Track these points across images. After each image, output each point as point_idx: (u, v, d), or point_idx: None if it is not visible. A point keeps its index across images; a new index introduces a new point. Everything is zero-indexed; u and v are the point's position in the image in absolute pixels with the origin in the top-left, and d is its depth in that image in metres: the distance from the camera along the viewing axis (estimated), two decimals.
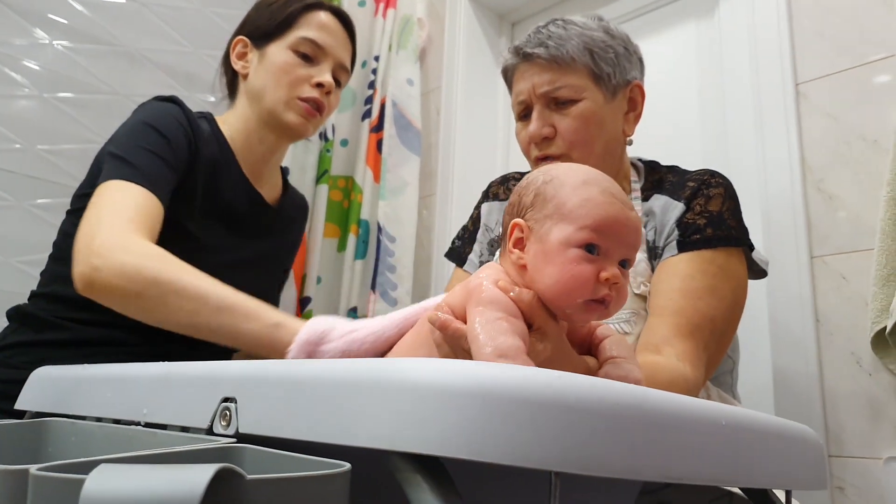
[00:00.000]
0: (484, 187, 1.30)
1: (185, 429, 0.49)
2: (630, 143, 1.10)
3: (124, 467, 0.27)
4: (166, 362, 0.58)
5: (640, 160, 1.14)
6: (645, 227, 1.00)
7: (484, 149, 2.00)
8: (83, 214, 0.93)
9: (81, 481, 0.27)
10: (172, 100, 1.09)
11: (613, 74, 1.03)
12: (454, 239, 1.28)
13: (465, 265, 1.21)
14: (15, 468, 0.32)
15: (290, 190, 1.30)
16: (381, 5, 2.01)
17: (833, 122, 1.29)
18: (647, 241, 0.99)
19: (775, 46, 1.38)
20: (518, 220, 0.62)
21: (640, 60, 1.10)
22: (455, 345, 0.58)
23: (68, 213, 1.12)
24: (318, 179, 1.89)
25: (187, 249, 1.04)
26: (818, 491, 1.12)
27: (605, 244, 0.57)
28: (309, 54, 1.13)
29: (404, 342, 0.69)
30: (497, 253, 1.10)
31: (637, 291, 0.95)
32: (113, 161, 0.98)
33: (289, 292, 1.75)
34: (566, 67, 1.01)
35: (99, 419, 0.59)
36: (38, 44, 1.83)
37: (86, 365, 0.68)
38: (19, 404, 0.73)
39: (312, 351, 0.71)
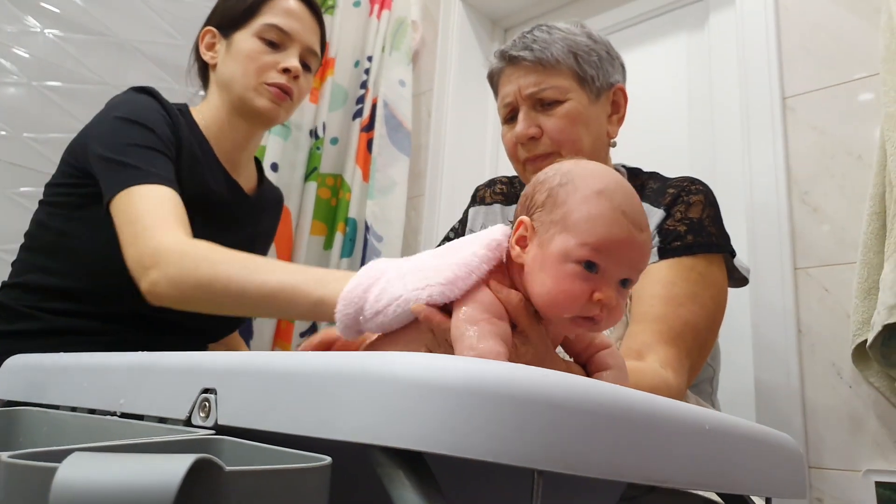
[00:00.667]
0: (472, 189, 1.30)
1: (162, 420, 0.48)
2: (614, 145, 1.11)
3: (99, 456, 0.27)
4: (146, 352, 0.57)
5: (623, 166, 1.15)
6: None
7: (473, 151, 2.01)
8: (118, 230, 0.93)
9: (54, 469, 0.26)
10: (147, 91, 1.09)
11: (597, 77, 1.05)
12: (443, 240, 1.28)
13: None
14: None
15: (265, 181, 1.31)
16: (376, 6, 2.01)
17: (819, 136, 1.30)
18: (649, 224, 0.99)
19: (763, 61, 1.40)
20: (525, 217, 0.59)
21: (622, 66, 1.12)
22: (440, 337, 0.58)
23: (41, 203, 1.11)
24: (307, 177, 1.88)
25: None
26: (797, 501, 1.13)
27: (605, 264, 0.55)
28: (275, 40, 1.14)
29: (395, 340, 0.67)
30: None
31: None
32: (112, 167, 0.97)
33: None
34: (551, 69, 1.03)
35: (73, 409, 0.58)
36: (28, 31, 1.81)
37: (61, 353, 0.66)
38: None
39: (358, 331, 0.65)
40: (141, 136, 1.00)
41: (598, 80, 1.05)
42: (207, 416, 0.44)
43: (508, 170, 1.21)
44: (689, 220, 0.97)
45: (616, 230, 0.55)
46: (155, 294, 0.87)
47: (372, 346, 0.70)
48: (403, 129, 1.91)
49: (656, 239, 0.97)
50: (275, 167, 1.78)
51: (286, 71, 1.13)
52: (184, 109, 1.15)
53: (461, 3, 2.03)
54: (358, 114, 1.94)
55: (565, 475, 0.31)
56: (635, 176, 1.11)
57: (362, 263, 1.77)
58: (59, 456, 0.30)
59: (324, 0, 1.99)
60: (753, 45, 1.43)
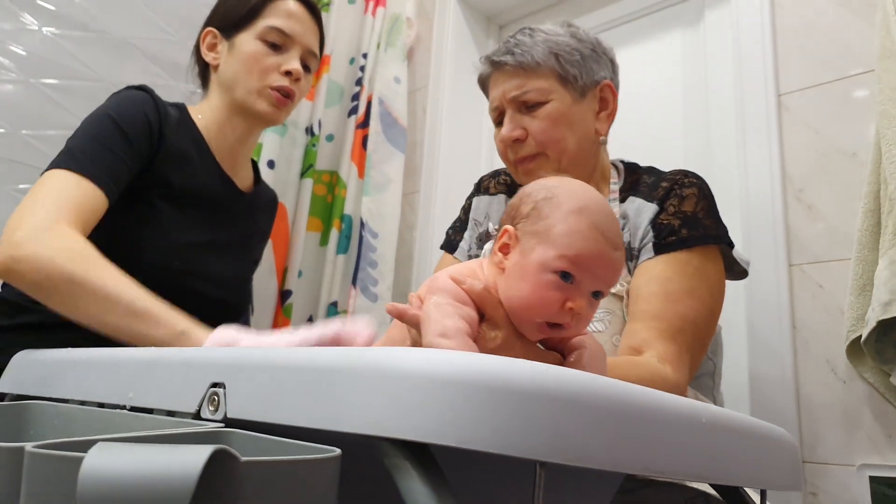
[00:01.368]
0: (467, 185, 1.31)
1: (171, 413, 0.49)
2: (604, 142, 1.12)
3: (123, 446, 0.28)
4: (153, 347, 0.58)
5: (621, 161, 1.15)
6: (623, 229, 1.02)
7: (468, 148, 2.02)
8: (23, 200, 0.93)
9: (80, 459, 0.27)
10: (143, 88, 1.10)
11: (580, 75, 1.05)
12: (448, 230, 1.30)
13: (456, 252, 1.23)
14: (10, 445, 0.32)
15: (261, 182, 1.32)
16: (371, 3, 2.01)
17: (814, 133, 1.31)
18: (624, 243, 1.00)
19: (759, 58, 1.41)
20: (509, 227, 0.64)
21: (612, 61, 1.12)
22: (415, 330, 0.62)
23: None
24: (303, 173, 1.88)
25: (162, 233, 1.05)
26: (792, 494, 1.15)
27: (579, 275, 0.60)
28: (277, 42, 1.15)
29: (390, 330, 0.71)
30: (487, 247, 1.12)
31: (612, 291, 0.96)
32: (63, 150, 0.99)
33: (270, 285, 1.75)
34: (531, 72, 1.04)
35: (83, 403, 0.59)
36: (25, 29, 1.81)
37: (69, 349, 0.67)
38: (0, 387, 0.73)
39: None
40: (106, 133, 1.01)
41: (580, 79, 1.05)
42: (216, 410, 0.45)
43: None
44: (683, 214, 0.98)
45: (592, 246, 0.60)
46: (8, 269, 0.85)
47: None
48: (398, 125, 1.92)
49: (651, 234, 0.98)
50: (271, 164, 1.79)
51: (288, 73, 1.15)
52: (181, 108, 1.16)
53: None
54: (353, 111, 1.94)
55: (566, 467, 0.32)
56: (632, 171, 1.12)
57: (358, 259, 1.78)
58: (82, 446, 0.31)
59: None
60: (748, 43, 1.44)
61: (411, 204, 1.94)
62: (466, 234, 1.23)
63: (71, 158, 0.97)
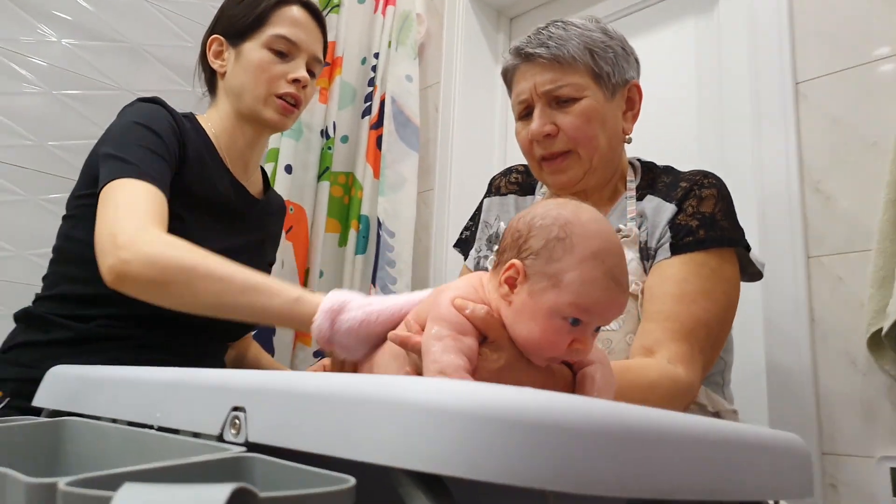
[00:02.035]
0: (481, 181, 1.31)
1: (196, 434, 0.51)
2: (629, 141, 1.12)
3: (149, 487, 0.29)
4: (177, 368, 0.60)
5: (638, 160, 1.15)
6: (639, 228, 1.02)
7: (481, 144, 2.02)
8: (98, 213, 0.97)
9: (108, 498, 0.29)
10: (155, 100, 1.13)
11: (613, 73, 1.05)
12: (462, 230, 1.30)
13: (467, 260, 1.23)
14: (43, 482, 0.34)
15: (270, 188, 1.35)
16: (381, 2, 2.02)
17: (832, 122, 1.29)
18: (640, 242, 1.00)
19: (775, 44, 1.39)
20: (517, 262, 0.63)
21: (637, 61, 1.12)
22: (418, 357, 0.63)
23: (65, 217, 1.15)
24: (320, 176, 1.91)
25: (185, 239, 1.07)
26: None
27: (588, 319, 0.61)
28: (283, 50, 1.17)
29: (384, 351, 0.73)
30: (495, 250, 1.12)
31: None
32: (112, 161, 1.02)
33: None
34: (567, 67, 1.03)
35: (114, 420, 0.61)
36: (45, 41, 1.85)
37: (100, 366, 0.70)
38: (36, 401, 0.76)
39: (335, 318, 0.75)
40: (143, 138, 1.04)
41: (613, 77, 1.05)
42: (238, 433, 0.47)
43: (518, 159, 1.22)
44: (702, 215, 0.98)
45: (605, 295, 0.60)
46: (122, 274, 0.89)
47: (367, 360, 0.76)
48: (412, 124, 1.93)
49: (668, 234, 0.98)
50: (288, 169, 1.81)
51: (295, 81, 1.16)
52: (191, 117, 1.18)
53: None
54: (367, 111, 1.96)
55: (576, 494, 0.33)
56: (649, 170, 1.12)
57: (376, 259, 1.80)
58: (112, 482, 0.33)
59: None
60: (764, 29, 1.42)
61: (426, 202, 1.95)
62: (476, 238, 1.23)
63: (130, 168, 1.00)
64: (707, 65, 1.65)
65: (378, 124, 1.92)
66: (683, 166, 1.13)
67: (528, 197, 1.22)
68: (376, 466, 0.37)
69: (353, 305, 0.75)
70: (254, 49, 1.16)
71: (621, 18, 1.82)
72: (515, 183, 1.24)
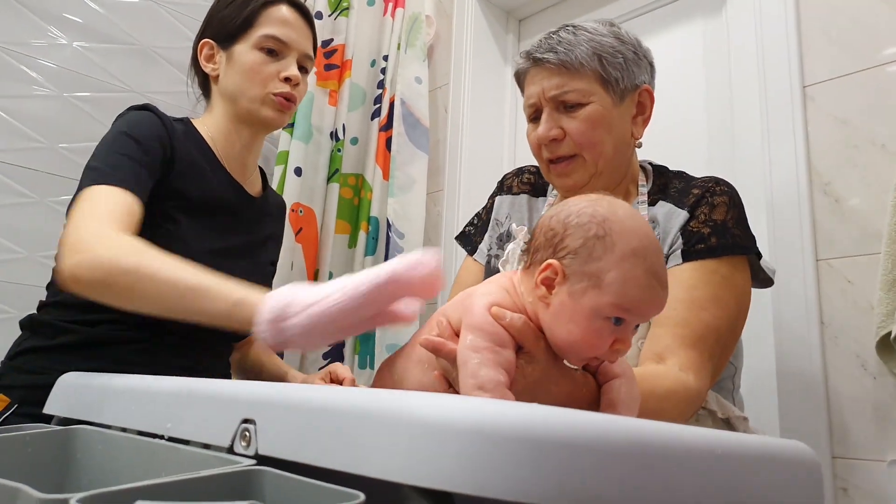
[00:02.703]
0: (490, 182, 1.31)
1: (206, 446, 0.51)
2: (639, 145, 1.11)
3: None
4: (187, 378, 0.61)
5: (649, 163, 1.15)
6: None
7: (491, 145, 2.02)
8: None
9: None
10: (145, 107, 1.15)
11: (621, 79, 1.05)
12: (466, 225, 1.30)
13: (476, 255, 1.23)
14: (56, 497, 0.34)
15: (269, 188, 1.36)
16: (390, 5, 2.02)
17: (840, 125, 1.29)
18: None
19: (783, 48, 1.39)
20: (554, 262, 0.61)
21: (651, 65, 1.11)
22: (450, 364, 0.61)
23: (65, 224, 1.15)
24: (330, 178, 1.91)
25: (182, 243, 1.08)
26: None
27: (630, 318, 0.59)
28: (274, 49, 1.18)
29: (407, 355, 0.71)
30: (508, 248, 1.12)
31: None
32: (87, 171, 1.04)
33: None
34: (574, 72, 1.03)
35: (124, 429, 0.62)
36: (55, 43, 1.86)
37: (111, 374, 0.70)
38: (47, 409, 0.77)
39: (279, 326, 0.69)
40: (123, 146, 1.06)
41: (622, 83, 1.04)
42: (248, 445, 0.47)
43: (526, 159, 1.22)
44: (714, 222, 0.98)
45: (647, 293, 0.59)
46: (74, 277, 0.89)
47: (389, 364, 0.74)
48: (421, 126, 1.93)
49: (680, 241, 0.98)
50: (298, 171, 1.82)
51: (288, 80, 1.18)
52: (185, 121, 1.20)
53: None
54: (376, 113, 1.96)
55: None
56: (660, 174, 1.12)
57: (386, 260, 1.80)
58: (123, 498, 0.34)
59: (338, 1, 2.01)
60: (772, 32, 1.41)
61: (436, 203, 1.96)
62: (486, 236, 1.23)
63: (100, 174, 1.02)
64: (715, 68, 1.64)
65: (387, 126, 1.93)
66: (692, 169, 1.13)
67: (541, 199, 1.22)
68: (385, 482, 0.37)
69: (296, 308, 0.69)
70: (245, 51, 1.17)
71: (629, 20, 1.82)
72: (528, 183, 1.24)
